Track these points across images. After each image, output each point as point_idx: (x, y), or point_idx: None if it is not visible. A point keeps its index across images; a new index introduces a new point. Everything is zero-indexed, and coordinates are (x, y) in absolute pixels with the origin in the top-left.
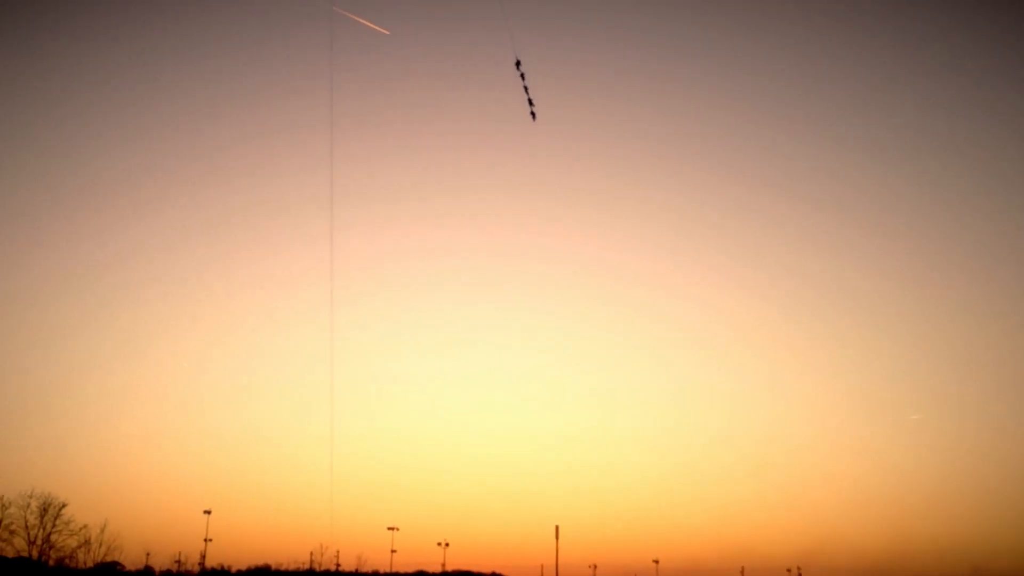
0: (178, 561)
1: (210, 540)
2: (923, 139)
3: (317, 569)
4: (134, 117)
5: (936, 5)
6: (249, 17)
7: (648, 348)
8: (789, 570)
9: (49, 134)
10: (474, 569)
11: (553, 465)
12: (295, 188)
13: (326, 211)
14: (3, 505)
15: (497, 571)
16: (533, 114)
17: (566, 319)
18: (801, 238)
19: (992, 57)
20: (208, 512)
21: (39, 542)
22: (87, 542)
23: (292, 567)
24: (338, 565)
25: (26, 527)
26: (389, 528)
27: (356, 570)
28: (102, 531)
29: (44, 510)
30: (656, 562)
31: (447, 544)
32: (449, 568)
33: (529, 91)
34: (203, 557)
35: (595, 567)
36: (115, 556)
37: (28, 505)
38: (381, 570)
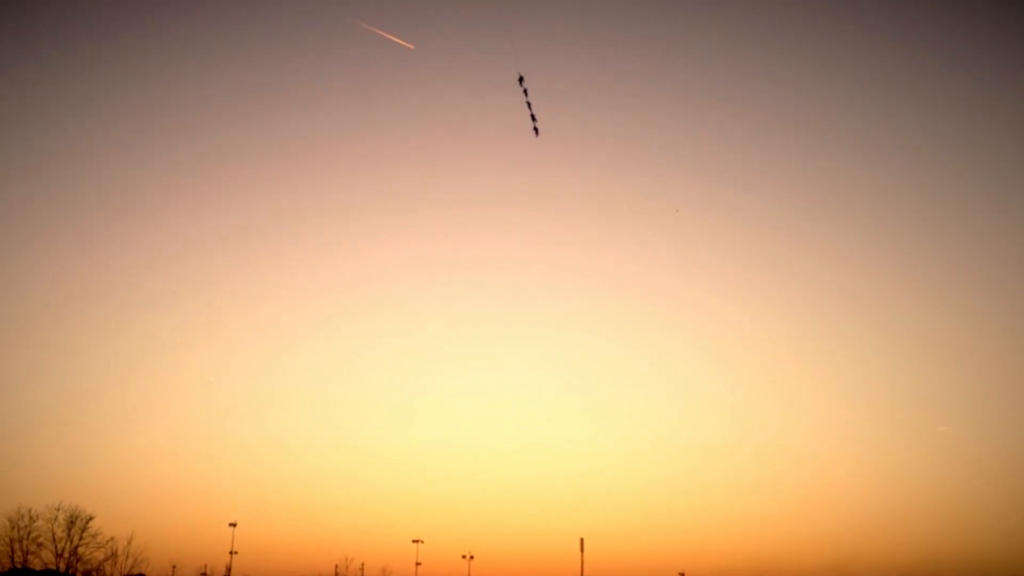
0: (204, 573)
1: (236, 552)
2: (946, 147)
3: None
4: (155, 126)
5: (937, 5)
6: (264, 24)
7: (673, 361)
8: None
9: (69, 144)
10: None
11: (578, 477)
12: (318, 198)
13: (348, 221)
14: (31, 518)
15: None
16: (536, 129)
17: (588, 332)
18: (822, 250)
19: (996, 58)
20: (234, 525)
21: (66, 555)
22: (114, 555)
23: None
24: None
25: (54, 540)
26: (414, 541)
27: None
28: (129, 543)
29: (71, 523)
30: (682, 575)
31: (472, 556)
32: None
33: (532, 107)
34: (228, 569)
35: None
36: (141, 568)
37: (56, 518)
38: None
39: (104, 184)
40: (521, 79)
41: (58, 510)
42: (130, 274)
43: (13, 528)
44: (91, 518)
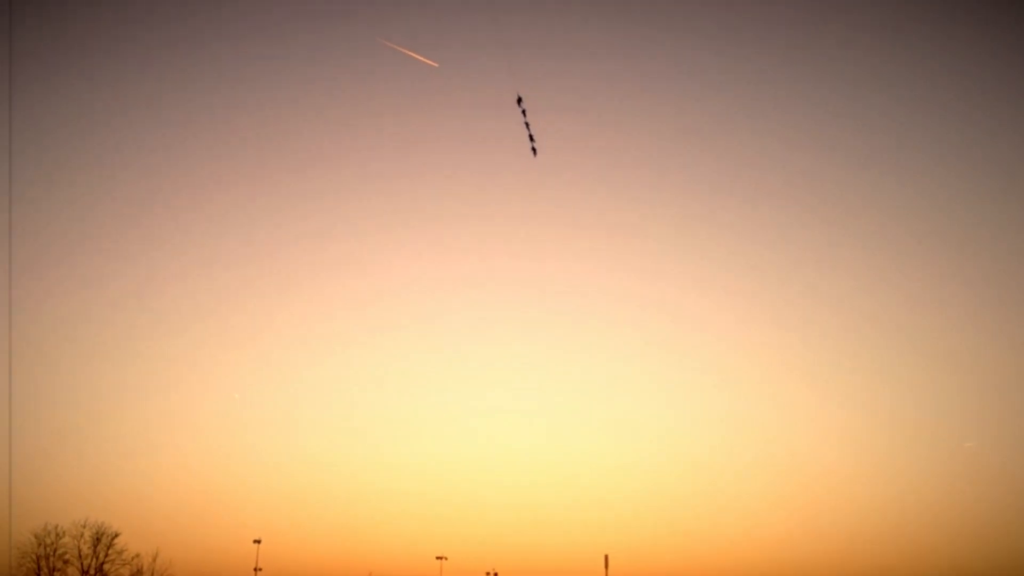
0: None
1: (260, 569)
2: (967, 152)
3: None
4: (179, 142)
5: (937, 6)
6: (276, 35)
7: (697, 378)
8: None
9: (90, 156)
10: None
11: (603, 493)
12: (344, 212)
13: (377, 235)
14: (57, 535)
15: None
16: (534, 149)
17: (611, 349)
18: (841, 267)
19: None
20: (258, 541)
21: (92, 572)
22: (139, 571)
23: None
24: None
25: (79, 557)
26: (438, 557)
27: None
28: (154, 560)
29: (97, 540)
30: None
31: (496, 574)
32: None
33: (530, 127)
34: None
35: None
36: None
37: (82, 535)
38: None
39: (127, 198)
40: (520, 100)
41: (84, 527)
42: (153, 290)
43: (39, 545)
44: (117, 535)
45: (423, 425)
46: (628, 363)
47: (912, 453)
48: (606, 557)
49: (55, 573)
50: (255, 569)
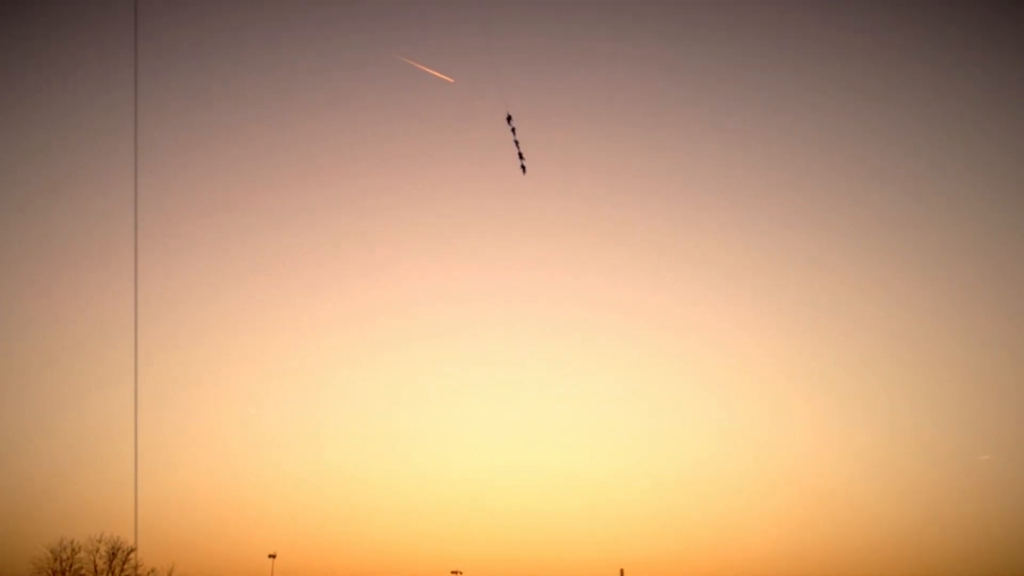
0: None
1: None
2: (980, 161)
3: None
4: (195, 157)
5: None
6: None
7: (709, 394)
8: None
9: (108, 174)
10: None
11: (618, 507)
12: (364, 225)
13: (396, 247)
14: (73, 550)
15: None
16: (523, 167)
17: (624, 363)
18: (849, 278)
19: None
20: (273, 556)
21: None
22: None
23: None
24: None
25: (95, 571)
26: (453, 572)
27: None
28: (169, 575)
29: (113, 555)
30: None
31: None
32: None
33: (519, 144)
34: None
35: None
36: None
37: (97, 550)
38: None
39: (142, 213)
40: (509, 118)
41: (99, 542)
42: (168, 304)
43: (55, 560)
44: (132, 550)
45: (438, 438)
46: (646, 376)
47: (926, 467)
48: (621, 571)
49: None
50: None
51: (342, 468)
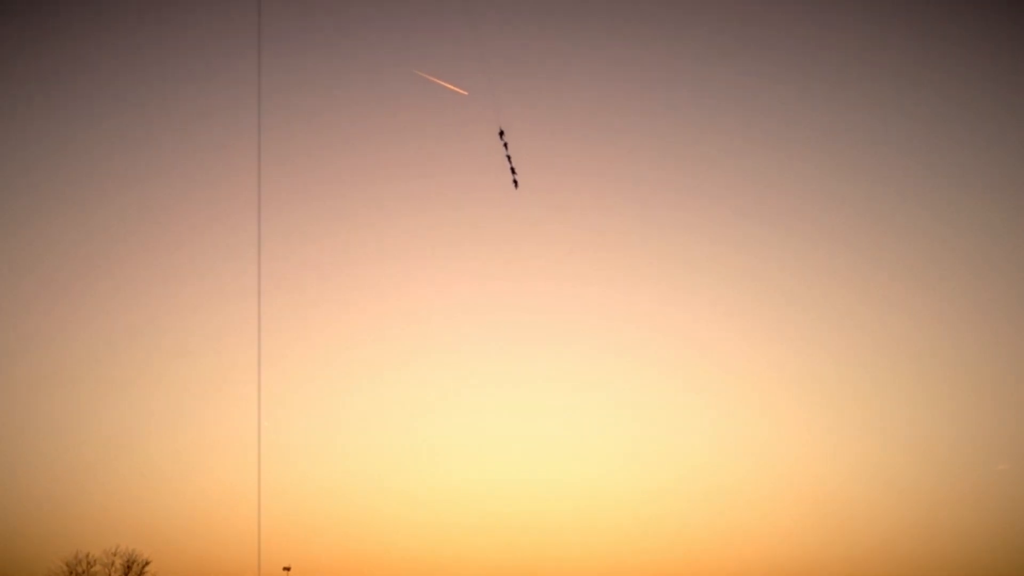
0: None
1: None
2: (995, 166)
3: None
4: (213, 171)
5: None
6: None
7: (719, 408)
8: None
9: (125, 183)
10: None
11: (629, 522)
12: (376, 235)
13: (407, 259)
14: (88, 563)
15: None
16: (515, 182)
17: (633, 376)
18: (857, 285)
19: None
20: (288, 568)
21: None
22: None
23: None
24: None
25: None
26: None
27: None
28: None
29: (128, 568)
30: None
31: None
32: None
33: (512, 160)
34: None
35: None
36: None
37: (112, 563)
38: None
39: (158, 223)
40: (501, 133)
41: (115, 555)
42: (181, 316)
43: (71, 573)
44: (147, 563)
45: (458, 453)
46: (658, 386)
47: (941, 478)
48: None
49: None
50: None
51: (357, 481)
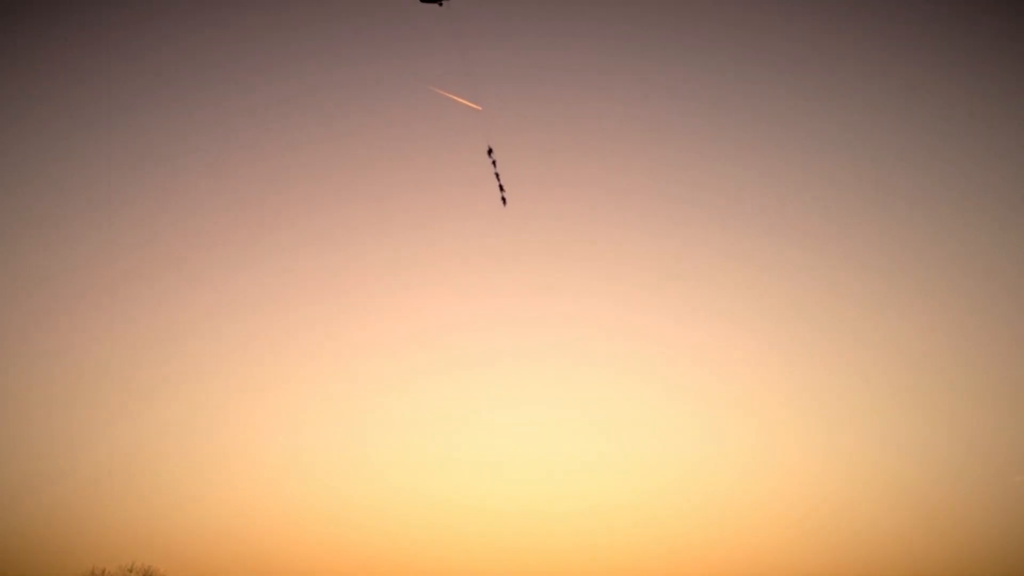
0: None
1: None
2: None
3: None
4: (231, 184)
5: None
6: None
7: (716, 418)
8: None
9: (143, 193)
10: None
11: (628, 532)
12: (396, 250)
13: (425, 273)
14: None
15: None
16: (504, 199)
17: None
18: (869, 293)
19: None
20: None
21: None
22: None
23: None
24: None
25: None
26: None
27: None
28: None
29: None
30: None
31: None
32: None
33: (500, 177)
34: None
35: None
36: None
37: None
38: None
39: (176, 231)
40: (490, 151)
41: (131, 571)
42: (194, 330)
43: None
44: None
45: (478, 468)
46: (669, 413)
47: (955, 491)
48: None
49: None
50: None
51: (375, 497)
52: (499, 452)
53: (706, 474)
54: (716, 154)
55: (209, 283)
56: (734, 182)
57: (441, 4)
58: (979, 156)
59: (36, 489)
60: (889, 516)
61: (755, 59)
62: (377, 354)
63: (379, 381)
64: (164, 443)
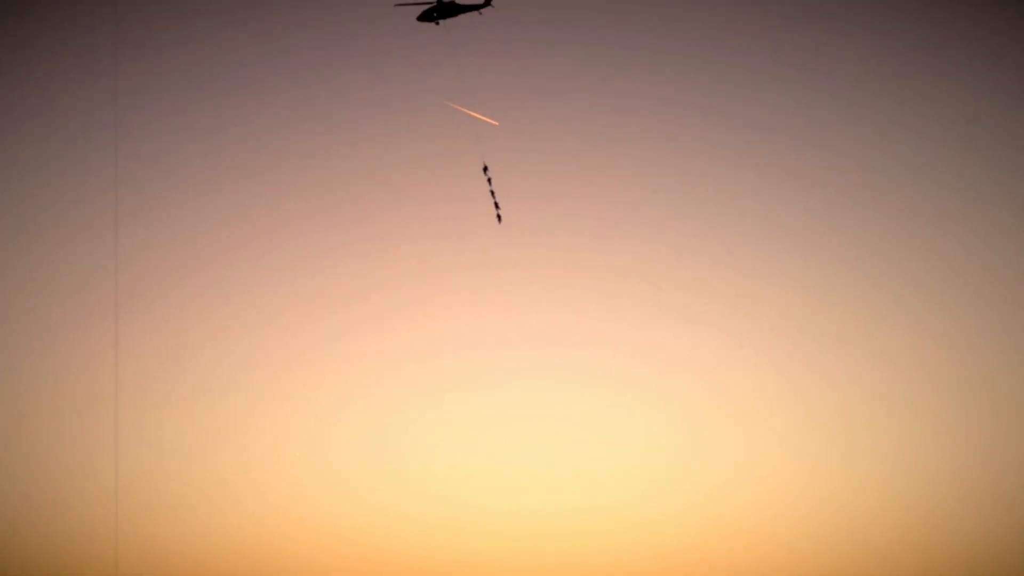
0: None
1: None
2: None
3: None
4: (253, 199)
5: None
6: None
7: (735, 440)
8: None
9: (161, 206)
10: None
11: (647, 551)
12: (415, 265)
13: (442, 288)
14: None
15: None
16: (499, 216)
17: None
18: (876, 302)
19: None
20: None
21: None
22: None
23: None
24: None
25: None
26: None
27: None
28: None
29: None
30: None
31: None
32: None
33: (495, 195)
34: None
35: None
36: None
37: None
38: None
39: (198, 248)
40: (485, 168)
41: None
42: (210, 345)
43: None
44: None
45: (499, 486)
46: (665, 427)
47: (970, 504)
48: None
49: None
50: None
51: (395, 514)
52: (509, 464)
53: (706, 481)
54: (719, 163)
55: (213, 297)
56: (736, 190)
57: (438, 23)
58: (978, 156)
59: (62, 504)
60: (885, 526)
61: (765, 68)
62: (401, 366)
63: (400, 394)
64: (177, 462)
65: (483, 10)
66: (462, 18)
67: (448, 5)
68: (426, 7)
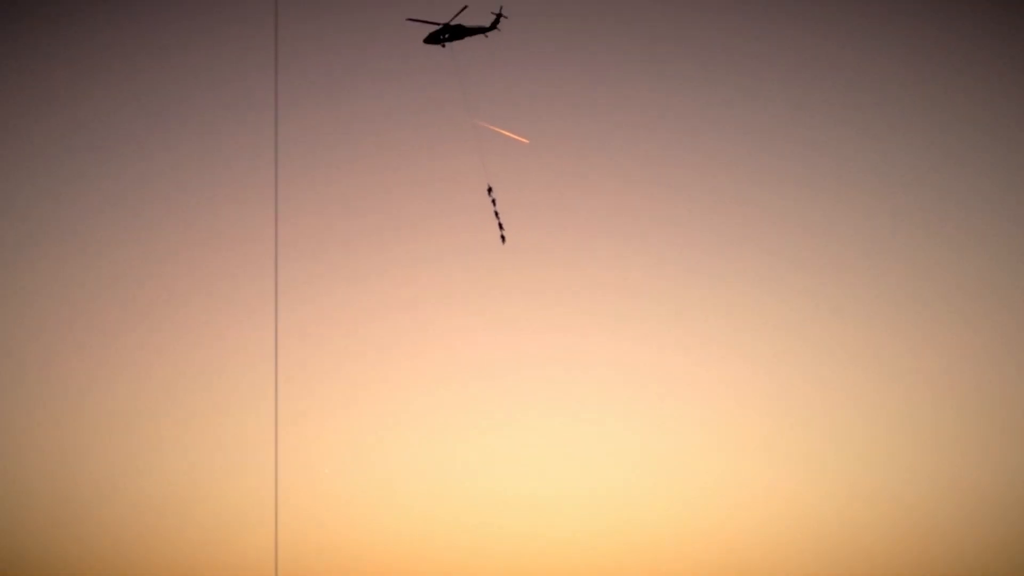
0: None
1: None
2: None
3: None
4: (244, 203)
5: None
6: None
7: (741, 453)
8: None
9: (171, 218)
10: None
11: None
12: (442, 283)
13: (469, 307)
14: None
15: None
16: (503, 237)
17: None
18: (882, 309)
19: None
20: None
21: None
22: None
23: None
24: None
25: None
26: None
27: None
28: None
29: None
30: None
31: None
32: None
33: (499, 215)
34: None
35: None
36: None
37: None
38: None
39: (218, 270)
40: (490, 189)
41: None
42: (229, 362)
43: None
44: None
45: (520, 505)
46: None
47: (964, 512)
48: None
49: None
50: None
51: (422, 534)
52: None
53: (708, 492)
54: (721, 183)
55: (243, 315)
56: (732, 197)
57: (444, 46)
58: (978, 156)
59: (83, 515)
60: (878, 535)
61: (764, 75)
62: (425, 388)
63: (428, 414)
64: (198, 479)
65: (488, 33)
66: (467, 40)
67: (455, 28)
68: (433, 29)
